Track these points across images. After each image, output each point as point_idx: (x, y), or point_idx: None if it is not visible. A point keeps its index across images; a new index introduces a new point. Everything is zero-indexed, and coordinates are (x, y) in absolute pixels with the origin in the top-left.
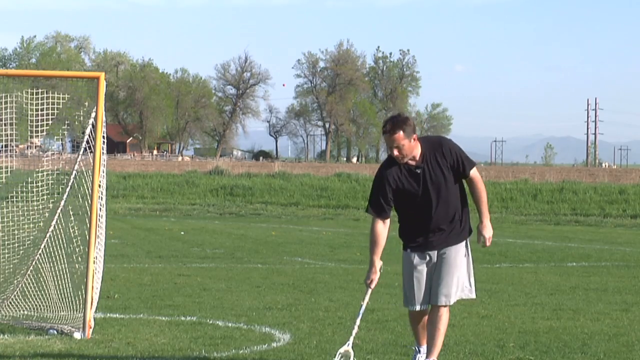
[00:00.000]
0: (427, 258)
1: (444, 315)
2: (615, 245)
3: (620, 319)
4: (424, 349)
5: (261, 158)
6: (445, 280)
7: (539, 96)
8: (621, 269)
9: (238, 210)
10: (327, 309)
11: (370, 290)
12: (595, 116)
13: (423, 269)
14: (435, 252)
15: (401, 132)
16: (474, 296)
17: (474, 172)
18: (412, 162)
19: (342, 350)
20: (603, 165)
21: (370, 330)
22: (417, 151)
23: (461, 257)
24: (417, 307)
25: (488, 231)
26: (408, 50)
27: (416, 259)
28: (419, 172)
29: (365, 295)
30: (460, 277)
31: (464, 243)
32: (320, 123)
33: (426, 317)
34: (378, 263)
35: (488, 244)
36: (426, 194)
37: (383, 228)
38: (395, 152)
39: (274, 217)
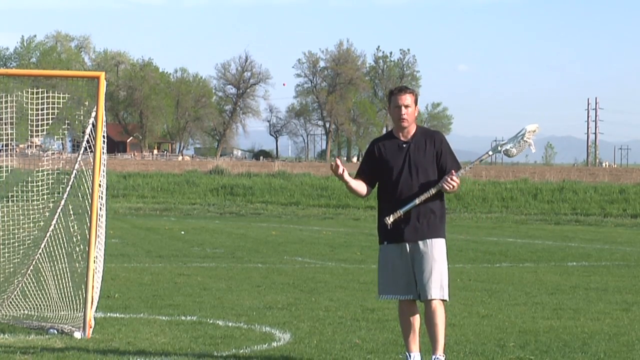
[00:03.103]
0: (401, 249)
1: (438, 309)
2: (615, 244)
3: (621, 318)
4: (414, 355)
5: (261, 157)
6: (432, 274)
7: (539, 96)
8: (621, 269)
9: (238, 210)
10: (327, 308)
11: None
12: (596, 116)
13: (396, 258)
14: (410, 244)
15: (411, 95)
16: (447, 298)
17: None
18: (402, 138)
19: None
20: (603, 164)
21: (371, 330)
22: (412, 129)
23: (442, 253)
24: (403, 297)
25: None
26: (408, 49)
27: (390, 250)
28: (405, 146)
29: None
30: (442, 273)
31: (443, 240)
32: (320, 122)
33: (415, 319)
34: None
35: (449, 180)
36: (408, 169)
37: (363, 183)
38: (402, 111)
39: (274, 216)
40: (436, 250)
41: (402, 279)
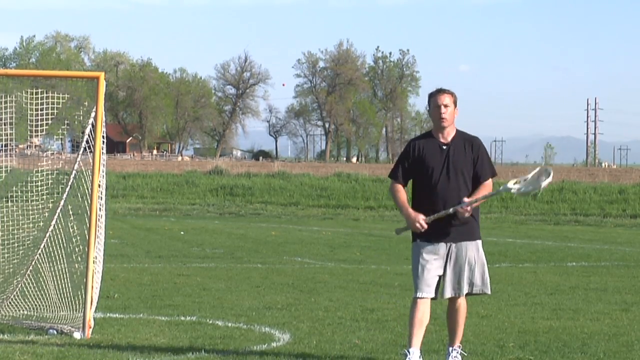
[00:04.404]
0: (436, 249)
1: (462, 306)
2: (615, 245)
3: (620, 318)
4: (414, 350)
5: (261, 158)
6: (472, 273)
7: (538, 96)
8: (621, 269)
9: (238, 210)
10: (326, 308)
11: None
12: (595, 116)
13: (431, 257)
14: (446, 245)
15: (450, 95)
16: (489, 292)
17: (488, 182)
18: (442, 140)
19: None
20: (603, 165)
21: (370, 330)
22: (452, 132)
23: (477, 252)
24: (425, 294)
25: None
26: (408, 50)
27: (425, 248)
28: (445, 148)
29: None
30: (475, 272)
31: (479, 242)
32: (320, 123)
33: (426, 318)
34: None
35: (465, 208)
36: (446, 171)
37: (401, 188)
38: (442, 110)
39: (274, 217)
40: (470, 251)
41: (427, 276)
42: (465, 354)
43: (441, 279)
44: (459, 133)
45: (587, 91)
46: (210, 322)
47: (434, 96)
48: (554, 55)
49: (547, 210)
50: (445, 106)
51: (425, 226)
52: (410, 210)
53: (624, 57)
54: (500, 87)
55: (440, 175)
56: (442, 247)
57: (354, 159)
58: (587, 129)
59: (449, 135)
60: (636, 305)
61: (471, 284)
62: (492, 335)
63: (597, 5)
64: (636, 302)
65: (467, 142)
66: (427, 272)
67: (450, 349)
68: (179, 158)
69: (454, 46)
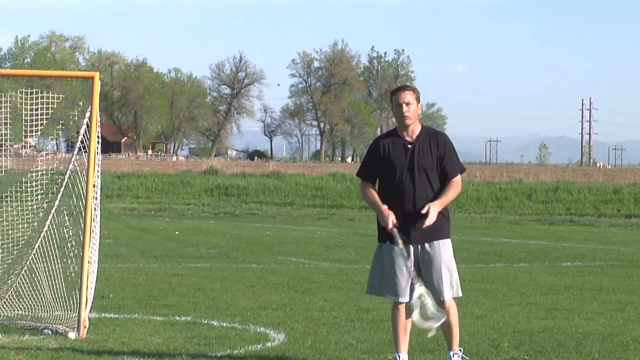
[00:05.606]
0: (406, 251)
1: (452, 307)
2: (609, 245)
3: (615, 318)
4: (403, 356)
5: (256, 158)
6: (442, 275)
7: (534, 96)
8: (615, 269)
9: (233, 210)
10: (321, 308)
11: (396, 230)
12: (590, 116)
13: (402, 261)
14: (415, 247)
15: (412, 91)
16: (460, 294)
17: (456, 178)
18: (407, 138)
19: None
20: (597, 165)
21: (365, 330)
22: (417, 129)
23: (449, 253)
24: (403, 299)
25: (430, 208)
26: (403, 50)
27: (395, 251)
28: (409, 147)
29: (395, 237)
30: (451, 272)
31: (449, 240)
32: (314, 123)
33: (408, 321)
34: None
35: (424, 219)
36: (411, 171)
37: (371, 187)
38: (404, 109)
39: (269, 217)
40: (443, 251)
41: (402, 281)
42: (467, 358)
43: (413, 280)
44: (424, 130)
45: (582, 91)
46: (205, 322)
47: (395, 94)
48: (549, 55)
49: (542, 210)
50: (407, 104)
51: (390, 226)
52: (384, 207)
53: (619, 57)
54: (495, 87)
55: (405, 175)
56: (411, 248)
57: (349, 159)
58: (582, 129)
59: (413, 133)
60: (631, 305)
61: (447, 287)
62: (486, 335)
63: (592, 6)
64: (631, 302)
65: (433, 139)
66: (401, 276)
67: (451, 353)
68: (174, 158)
69: (449, 46)
